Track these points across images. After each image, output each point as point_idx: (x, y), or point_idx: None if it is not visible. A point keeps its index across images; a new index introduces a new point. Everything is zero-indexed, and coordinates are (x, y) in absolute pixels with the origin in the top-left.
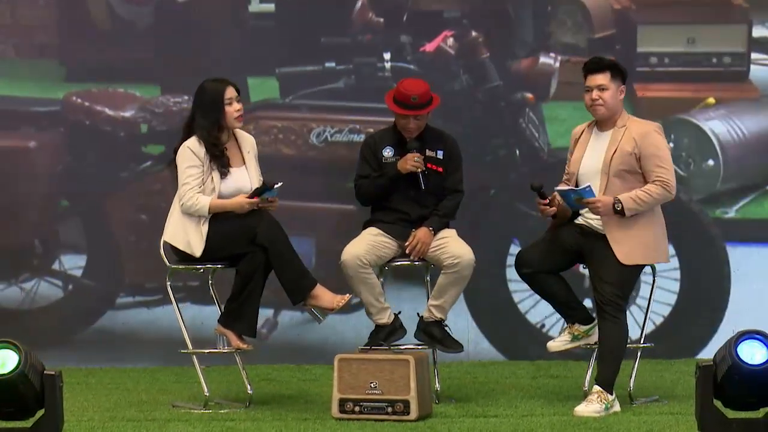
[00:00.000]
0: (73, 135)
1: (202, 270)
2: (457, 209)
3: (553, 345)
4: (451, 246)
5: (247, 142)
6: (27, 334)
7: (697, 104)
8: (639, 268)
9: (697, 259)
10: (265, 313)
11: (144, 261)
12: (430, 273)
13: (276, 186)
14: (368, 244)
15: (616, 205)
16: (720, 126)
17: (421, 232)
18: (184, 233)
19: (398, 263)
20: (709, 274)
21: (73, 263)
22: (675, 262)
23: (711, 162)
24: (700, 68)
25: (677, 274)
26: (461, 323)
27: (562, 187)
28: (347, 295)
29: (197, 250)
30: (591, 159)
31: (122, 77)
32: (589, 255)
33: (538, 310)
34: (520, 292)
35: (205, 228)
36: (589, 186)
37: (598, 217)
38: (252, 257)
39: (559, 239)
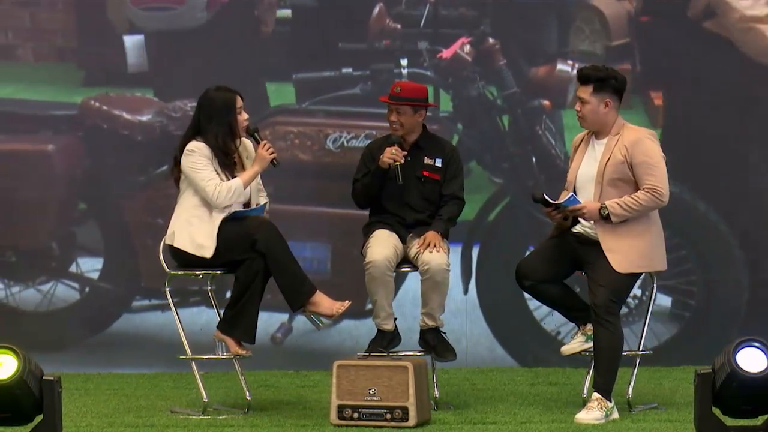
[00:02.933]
0: (90, 139)
1: (201, 276)
2: (458, 216)
3: (568, 348)
4: (424, 253)
5: (247, 148)
6: (43, 336)
7: None
8: (635, 276)
9: (715, 268)
10: (280, 318)
11: (160, 264)
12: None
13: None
14: (393, 247)
15: (602, 210)
16: None
17: (431, 234)
18: (191, 236)
19: (401, 270)
20: (726, 284)
21: (90, 266)
22: (692, 272)
23: None
24: None
25: (695, 284)
26: (476, 329)
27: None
28: (347, 302)
29: (208, 252)
30: (587, 168)
31: (140, 82)
32: (587, 262)
33: (554, 318)
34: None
35: (215, 228)
36: (572, 195)
37: (593, 224)
38: (251, 263)
39: (558, 248)
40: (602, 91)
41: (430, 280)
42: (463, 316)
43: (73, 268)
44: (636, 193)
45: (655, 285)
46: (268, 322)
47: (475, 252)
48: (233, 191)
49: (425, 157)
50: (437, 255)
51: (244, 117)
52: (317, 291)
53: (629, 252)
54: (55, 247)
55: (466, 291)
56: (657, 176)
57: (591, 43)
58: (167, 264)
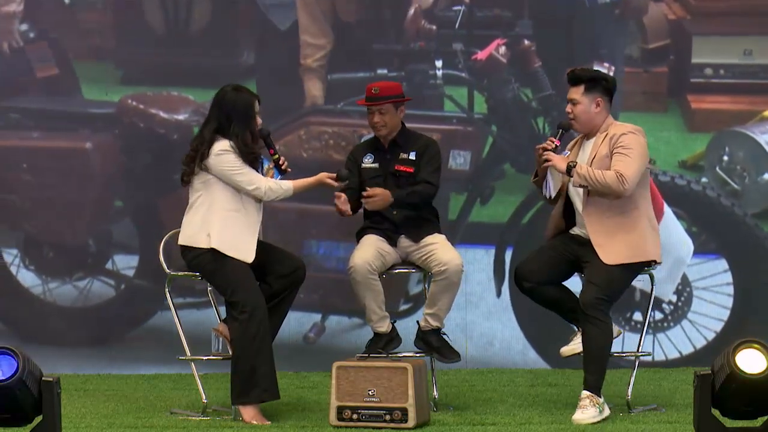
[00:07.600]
0: (127, 137)
1: (201, 277)
2: (423, 198)
3: (567, 349)
4: (439, 253)
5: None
6: (79, 331)
7: (753, 117)
8: (627, 271)
9: (752, 274)
10: (312, 318)
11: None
12: (428, 281)
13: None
14: (376, 251)
15: (570, 163)
16: None
17: (381, 190)
18: (233, 238)
19: (397, 270)
20: (763, 290)
21: (126, 263)
22: (728, 277)
23: (766, 176)
24: (756, 80)
25: (730, 290)
26: (508, 332)
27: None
28: (268, 422)
29: (250, 256)
30: None
31: (177, 80)
32: (584, 262)
33: None
34: None
35: (256, 231)
36: (566, 152)
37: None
38: (245, 324)
39: (557, 250)
40: (593, 91)
41: (446, 280)
42: (495, 318)
43: (109, 265)
44: (605, 170)
45: (653, 285)
46: (301, 321)
47: (508, 255)
48: (282, 191)
49: (401, 153)
50: (455, 255)
51: (258, 121)
52: (253, 405)
53: (619, 245)
54: (92, 244)
55: (499, 294)
56: (627, 164)
57: (627, 46)
58: (168, 265)
